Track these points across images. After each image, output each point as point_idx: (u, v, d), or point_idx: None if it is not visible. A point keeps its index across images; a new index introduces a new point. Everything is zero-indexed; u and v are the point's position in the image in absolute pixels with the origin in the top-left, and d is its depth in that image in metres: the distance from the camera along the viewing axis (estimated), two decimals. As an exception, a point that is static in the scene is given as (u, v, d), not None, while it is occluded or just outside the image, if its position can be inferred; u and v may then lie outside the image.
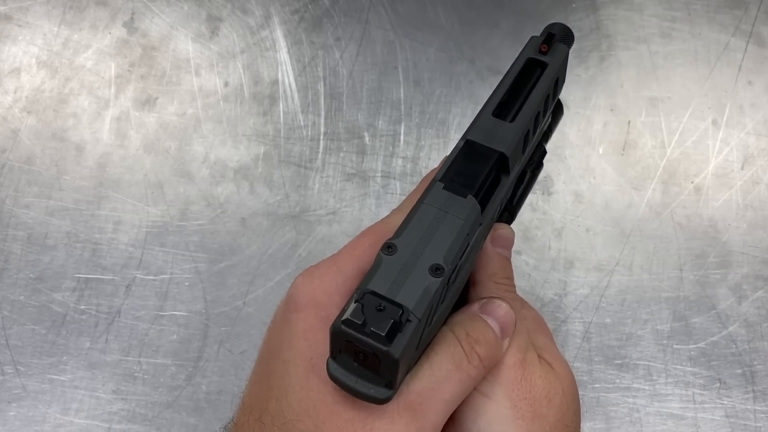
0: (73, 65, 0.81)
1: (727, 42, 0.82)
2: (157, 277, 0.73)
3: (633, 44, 0.82)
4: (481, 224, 0.41)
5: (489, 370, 0.41)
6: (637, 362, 0.70)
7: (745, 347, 0.70)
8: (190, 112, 0.80)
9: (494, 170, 0.43)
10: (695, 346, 0.70)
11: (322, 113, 0.80)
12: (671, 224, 0.75)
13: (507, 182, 0.44)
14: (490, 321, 0.42)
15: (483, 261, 0.46)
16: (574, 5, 0.84)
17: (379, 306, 0.35)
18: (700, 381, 0.69)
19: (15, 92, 0.80)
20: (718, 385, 0.69)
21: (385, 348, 0.34)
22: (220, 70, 0.81)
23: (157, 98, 0.80)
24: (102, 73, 0.81)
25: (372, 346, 0.35)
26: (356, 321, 0.35)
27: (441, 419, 0.39)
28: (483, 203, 0.41)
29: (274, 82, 0.81)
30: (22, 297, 0.72)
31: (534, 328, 0.47)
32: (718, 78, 0.81)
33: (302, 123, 0.79)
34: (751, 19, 0.83)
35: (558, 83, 0.49)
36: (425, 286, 0.36)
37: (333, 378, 0.37)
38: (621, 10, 0.84)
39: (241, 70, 0.81)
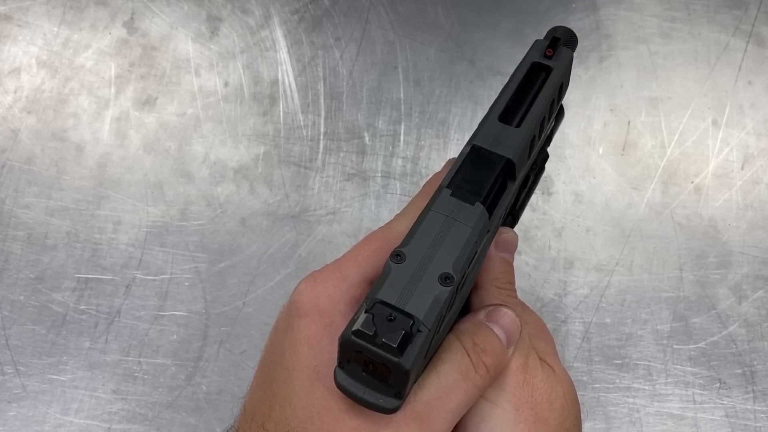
0: (73, 65, 0.81)
1: (727, 42, 0.82)
2: (157, 277, 0.73)
3: (633, 44, 0.82)
4: (488, 231, 0.41)
5: (495, 378, 0.41)
6: (637, 362, 0.70)
7: (745, 347, 0.70)
8: (190, 112, 0.79)
9: (501, 176, 0.42)
10: (695, 346, 0.70)
11: (322, 113, 0.79)
12: (671, 224, 0.75)
13: (513, 188, 0.44)
14: (496, 329, 0.42)
15: (486, 265, 0.46)
16: (574, 5, 0.84)
17: (390, 316, 0.35)
18: (700, 381, 0.69)
19: (15, 92, 0.80)
20: (718, 385, 0.69)
21: (396, 359, 0.34)
22: (220, 70, 0.81)
23: (157, 98, 0.80)
24: (102, 73, 0.81)
25: (383, 357, 0.34)
26: (367, 332, 0.34)
27: (447, 428, 0.39)
28: (490, 210, 0.40)
29: (274, 82, 0.81)
30: (22, 297, 0.72)
31: (535, 333, 0.47)
32: (718, 78, 0.81)
33: (302, 123, 0.79)
34: (751, 19, 0.83)
35: (562, 88, 0.49)
36: (435, 296, 0.36)
37: (340, 387, 0.37)
38: (621, 10, 0.84)
39: (241, 70, 0.81)
